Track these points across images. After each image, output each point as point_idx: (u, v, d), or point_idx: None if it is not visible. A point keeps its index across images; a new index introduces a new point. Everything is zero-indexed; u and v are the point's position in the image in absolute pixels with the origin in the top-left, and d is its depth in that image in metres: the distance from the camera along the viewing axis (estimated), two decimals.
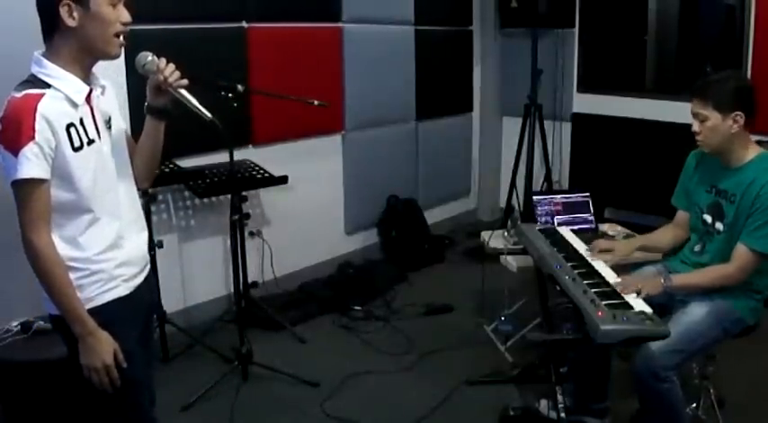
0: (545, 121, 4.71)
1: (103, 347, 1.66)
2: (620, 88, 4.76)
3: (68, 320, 1.64)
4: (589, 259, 2.39)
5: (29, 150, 1.51)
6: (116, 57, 1.70)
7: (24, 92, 1.54)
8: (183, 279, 3.60)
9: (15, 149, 1.51)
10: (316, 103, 3.22)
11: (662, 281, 2.27)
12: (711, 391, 2.52)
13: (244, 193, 3.25)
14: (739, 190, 2.29)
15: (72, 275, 1.66)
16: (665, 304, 2.36)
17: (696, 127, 2.31)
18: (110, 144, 1.73)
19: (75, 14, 1.57)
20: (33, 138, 1.50)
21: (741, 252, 2.26)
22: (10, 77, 1.65)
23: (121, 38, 1.66)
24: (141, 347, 1.84)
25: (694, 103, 2.30)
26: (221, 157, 3.33)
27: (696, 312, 2.29)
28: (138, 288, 1.81)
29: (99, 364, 1.66)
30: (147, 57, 1.76)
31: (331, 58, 4.18)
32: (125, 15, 1.65)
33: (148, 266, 1.90)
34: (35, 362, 2.43)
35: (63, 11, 1.55)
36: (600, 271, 2.30)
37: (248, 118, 3.72)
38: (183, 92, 1.80)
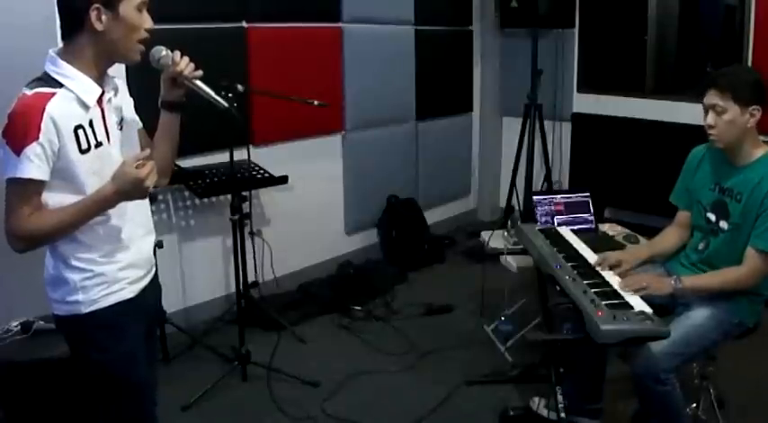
0: (545, 121, 4.69)
1: (121, 183, 1.57)
2: (620, 88, 4.76)
3: (99, 212, 1.60)
4: (598, 269, 2.33)
5: (31, 150, 1.50)
6: (136, 62, 1.70)
7: (36, 90, 1.54)
8: (183, 279, 3.61)
9: (18, 147, 1.50)
10: (316, 103, 3.23)
11: (672, 282, 2.24)
12: (711, 391, 2.52)
13: (244, 193, 3.25)
14: (746, 189, 2.24)
15: (76, 276, 1.66)
16: (665, 305, 2.35)
17: (711, 120, 2.21)
18: (119, 147, 1.72)
19: (103, 18, 1.56)
20: (37, 138, 1.50)
21: (752, 255, 2.21)
22: (12, 75, 1.65)
23: (142, 46, 1.67)
24: (144, 348, 1.84)
25: (710, 95, 2.21)
26: (221, 157, 3.33)
27: (698, 316, 2.26)
28: (144, 291, 1.81)
29: (134, 185, 1.57)
30: (162, 51, 1.76)
31: (331, 58, 4.18)
32: (149, 21, 1.67)
33: (154, 269, 1.90)
34: (35, 362, 2.42)
35: (92, 14, 1.55)
36: (605, 276, 2.28)
37: (248, 118, 3.72)
38: (199, 83, 1.80)
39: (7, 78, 1.71)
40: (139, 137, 1.85)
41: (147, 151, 1.69)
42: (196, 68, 1.80)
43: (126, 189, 1.58)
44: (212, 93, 1.82)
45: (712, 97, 2.21)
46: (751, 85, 2.18)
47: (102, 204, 1.60)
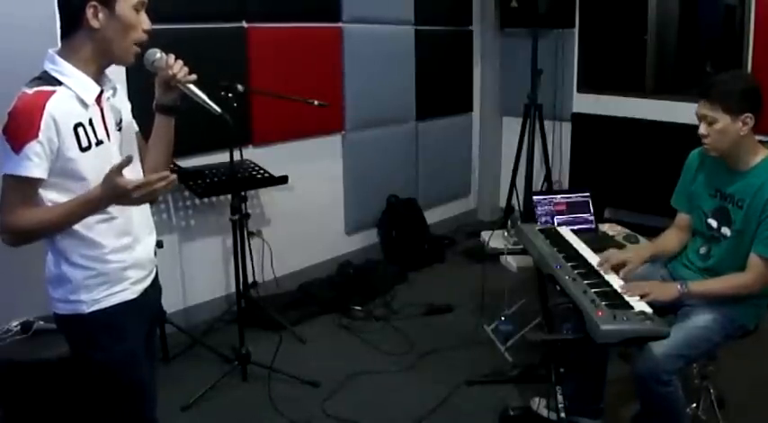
0: (545, 121, 4.70)
1: (107, 189, 1.53)
2: (620, 88, 4.76)
3: (86, 215, 1.58)
4: (601, 272, 2.31)
5: (30, 149, 1.50)
6: (129, 64, 1.71)
7: (36, 88, 1.55)
8: (183, 279, 3.60)
9: (19, 145, 1.50)
10: (316, 103, 3.23)
11: (678, 287, 2.24)
12: (711, 391, 2.52)
13: (244, 193, 3.25)
14: (748, 194, 2.23)
15: (79, 274, 1.66)
16: (666, 306, 2.34)
17: (704, 129, 2.22)
18: (119, 146, 1.72)
19: (100, 16, 1.57)
20: (37, 136, 1.50)
21: (756, 262, 2.20)
22: (13, 76, 1.65)
23: (137, 48, 1.67)
24: (144, 349, 1.84)
25: (701, 105, 2.22)
26: (221, 157, 3.32)
27: (701, 318, 2.25)
28: (145, 291, 1.81)
29: (118, 194, 1.54)
30: (156, 53, 1.76)
31: (331, 58, 4.18)
32: (146, 22, 1.66)
33: (155, 270, 1.90)
34: (35, 362, 2.42)
35: (89, 11, 1.56)
36: (605, 276, 2.27)
37: (248, 118, 3.72)
38: (192, 87, 1.80)
39: (8, 80, 1.72)
40: (136, 140, 1.85)
41: (130, 157, 1.64)
42: (195, 70, 1.80)
43: (111, 196, 1.55)
44: (206, 97, 1.81)
45: (702, 108, 2.22)
46: (743, 94, 2.17)
47: (89, 206, 1.57)
